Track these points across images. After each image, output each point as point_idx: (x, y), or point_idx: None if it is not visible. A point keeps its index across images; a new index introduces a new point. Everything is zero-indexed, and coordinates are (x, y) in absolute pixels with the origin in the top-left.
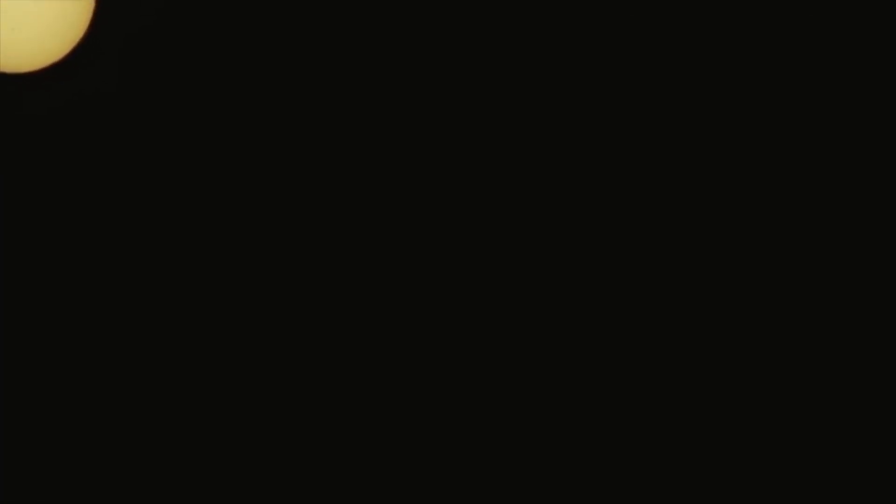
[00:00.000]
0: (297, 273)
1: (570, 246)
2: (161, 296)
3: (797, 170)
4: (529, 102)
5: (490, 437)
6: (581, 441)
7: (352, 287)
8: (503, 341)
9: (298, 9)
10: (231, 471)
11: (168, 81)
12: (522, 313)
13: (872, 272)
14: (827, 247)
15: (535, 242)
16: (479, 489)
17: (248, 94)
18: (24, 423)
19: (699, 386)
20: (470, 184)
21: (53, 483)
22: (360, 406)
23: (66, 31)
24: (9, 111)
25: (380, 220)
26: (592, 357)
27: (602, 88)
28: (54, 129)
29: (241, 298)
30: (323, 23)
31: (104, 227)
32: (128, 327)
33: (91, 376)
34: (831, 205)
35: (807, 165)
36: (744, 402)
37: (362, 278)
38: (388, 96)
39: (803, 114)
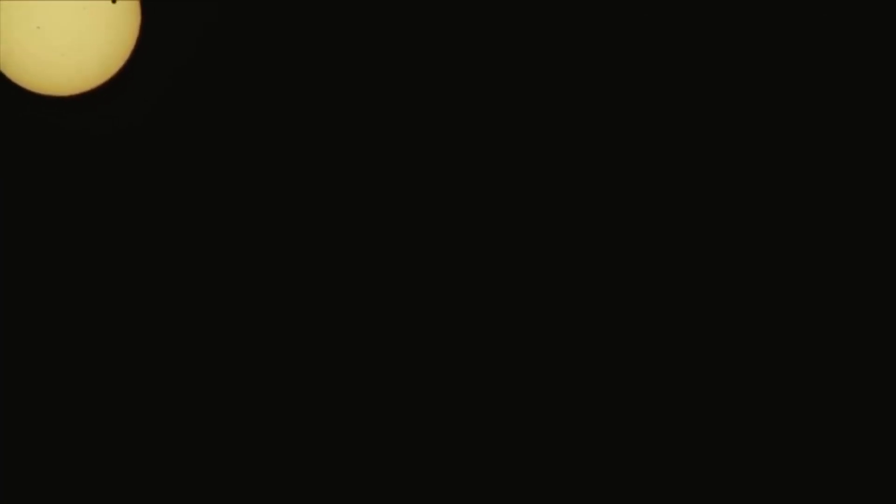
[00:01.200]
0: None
1: (569, 246)
2: (187, 316)
3: (797, 170)
4: (529, 103)
5: (490, 437)
6: (581, 441)
7: (360, 291)
8: (503, 341)
9: (332, 34)
10: (231, 471)
11: (211, 107)
12: (522, 313)
13: (872, 272)
14: (827, 247)
15: (535, 242)
16: (479, 489)
17: (285, 120)
18: (24, 423)
19: (699, 386)
20: (470, 184)
21: (53, 483)
22: (359, 406)
23: (111, 55)
24: (55, 133)
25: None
26: (592, 357)
27: (602, 88)
28: (100, 150)
29: (251, 314)
30: (370, 47)
31: (147, 250)
32: (155, 347)
33: (94, 379)
34: (831, 205)
35: (807, 165)
36: (744, 403)
37: (379, 285)
38: (428, 124)
39: (803, 114)
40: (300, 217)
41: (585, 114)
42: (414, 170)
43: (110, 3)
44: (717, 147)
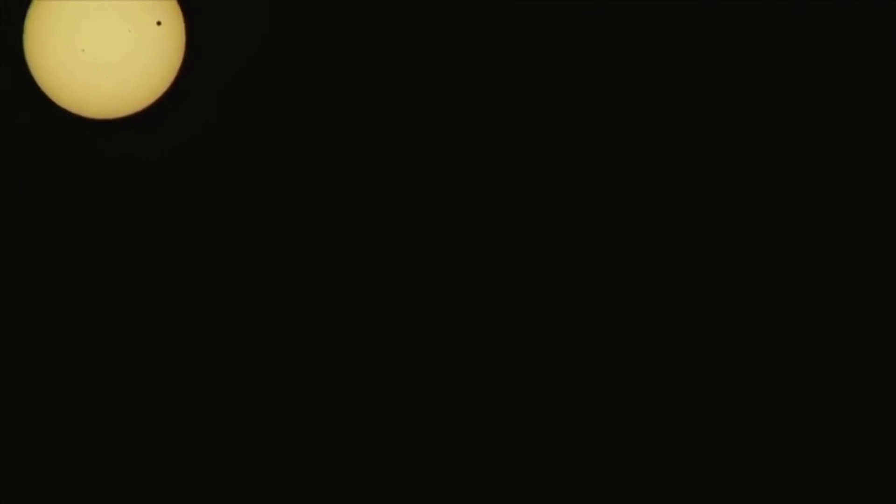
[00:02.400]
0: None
1: (570, 246)
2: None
3: (797, 170)
4: (530, 104)
5: (490, 437)
6: (581, 441)
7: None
8: (503, 341)
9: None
10: (231, 471)
11: (257, 129)
12: (522, 313)
13: (872, 272)
14: (827, 247)
15: (535, 243)
16: (479, 489)
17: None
18: (25, 423)
19: (699, 386)
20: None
21: (53, 483)
22: (360, 406)
23: (155, 78)
24: (98, 157)
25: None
26: (592, 357)
27: (602, 90)
28: (143, 175)
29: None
30: (424, 74)
31: (189, 274)
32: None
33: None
34: (831, 205)
35: (807, 166)
36: (744, 403)
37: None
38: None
39: (803, 115)
40: (346, 246)
41: (586, 115)
42: (467, 201)
43: (155, 25)
44: (716, 148)
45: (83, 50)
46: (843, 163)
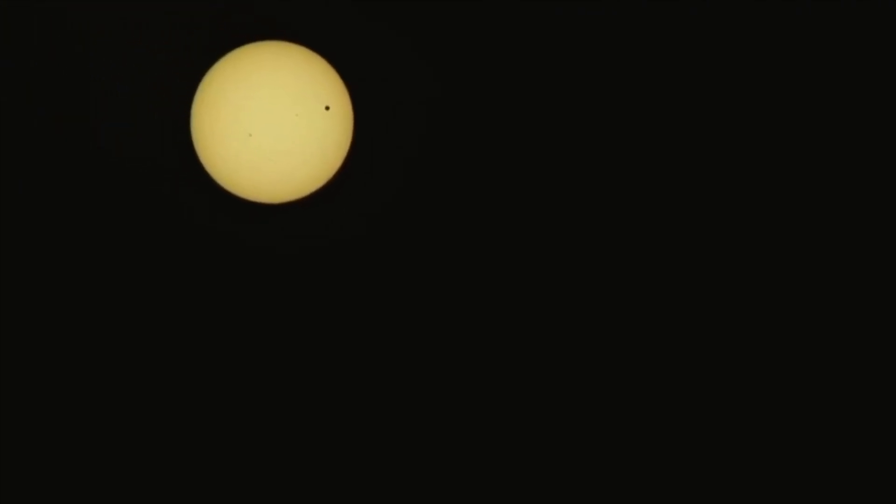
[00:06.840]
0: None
1: (570, 247)
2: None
3: (797, 171)
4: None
5: (490, 437)
6: (581, 441)
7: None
8: (504, 342)
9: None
10: (231, 471)
11: (425, 221)
12: (523, 314)
13: (872, 272)
14: (827, 247)
15: (536, 243)
16: (480, 489)
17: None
18: (25, 424)
19: (699, 386)
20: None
21: (52, 483)
22: (360, 407)
23: (322, 164)
24: (264, 242)
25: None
26: (593, 357)
27: (602, 92)
28: (308, 263)
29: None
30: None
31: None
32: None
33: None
34: (831, 205)
35: (807, 167)
36: (744, 403)
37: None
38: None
39: (803, 116)
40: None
41: (587, 115)
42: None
43: (324, 110)
44: (719, 148)
45: (250, 134)
46: (845, 163)
